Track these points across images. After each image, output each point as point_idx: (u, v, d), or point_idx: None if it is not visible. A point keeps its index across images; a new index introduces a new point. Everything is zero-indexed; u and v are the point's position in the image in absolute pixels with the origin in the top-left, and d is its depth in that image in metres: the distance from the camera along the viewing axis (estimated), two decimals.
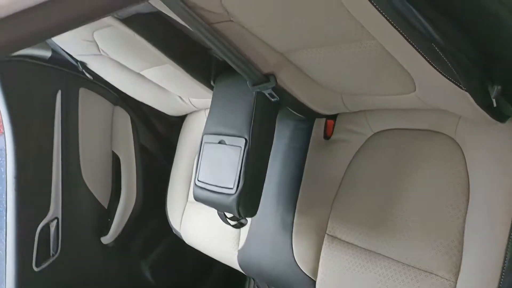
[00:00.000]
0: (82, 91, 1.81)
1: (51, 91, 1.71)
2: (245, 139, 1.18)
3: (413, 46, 0.75)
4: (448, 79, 0.80)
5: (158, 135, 2.10)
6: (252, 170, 1.17)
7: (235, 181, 1.17)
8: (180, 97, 1.74)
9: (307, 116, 1.34)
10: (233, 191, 1.18)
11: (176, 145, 1.98)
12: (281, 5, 0.87)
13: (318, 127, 1.37)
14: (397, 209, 1.13)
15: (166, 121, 2.08)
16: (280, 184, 1.40)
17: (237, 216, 1.22)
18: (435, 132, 1.11)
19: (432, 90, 0.92)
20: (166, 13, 1.02)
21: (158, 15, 1.22)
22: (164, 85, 1.62)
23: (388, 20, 0.71)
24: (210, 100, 1.37)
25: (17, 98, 1.60)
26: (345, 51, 0.93)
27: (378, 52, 0.88)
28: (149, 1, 0.97)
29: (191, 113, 1.94)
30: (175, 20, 1.21)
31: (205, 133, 1.33)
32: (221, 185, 1.22)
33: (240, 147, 1.18)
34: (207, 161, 1.31)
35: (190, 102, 1.75)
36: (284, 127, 1.42)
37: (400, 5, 0.67)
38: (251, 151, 1.17)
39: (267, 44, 1.05)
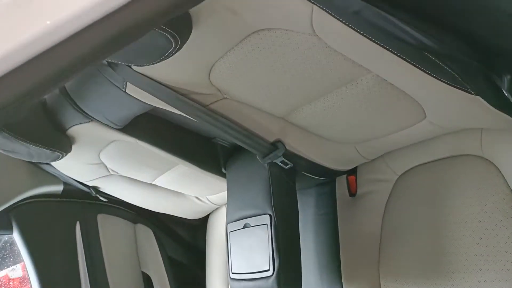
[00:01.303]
0: (100, 217, 1.78)
1: (69, 224, 1.69)
2: (269, 215, 1.13)
3: (407, 61, 0.73)
4: (453, 86, 0.76)
5: (185, 243, 2.03)
6: (285, 244, 1.11)
7: (269, 261, 1.10)
8: (197, 197, 1.71)
9: (326, 177, 1.30)
10: (270, 272, 1.10)
11: (204, 249, 1.90)
12: (267, 72, 0.88)
13: (341, 186, 1.31)
14: (452, 246, 1.03)
15: (189, 227, 2.02)
16: (318, 255, 1.31)
17: None
18: (461, 156, 1.05)
19: (442, 108, 0.88)
20: (162, 107, 1.02)
21: (154, 116, 1.24)
22: (178, 189, 1.60)
23: (374, 41, 0.70)
24: (226, 198, 1.33)
25: (36, 240, 1.57)
26: (343, 95, 0.92)
27: (376, 85, 0.86)
28: (143, 100, 1.00)
29: (212, 212, 1.90)
30: (172, 116, 1.24)
31: (228, 222, 1.28)
32: (257, 270, 1.14)
33: (266, 224, 1.13)
34: (237, 250, 1.24)
35: (209, 201, 1.71)
36: (306, 197, 1.37)
37: (382, 22, 0.66)
38: (278, 224, 1.11)
39: (266, 113, 1.04)
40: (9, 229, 1.54)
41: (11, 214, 1.53)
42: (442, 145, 1.08)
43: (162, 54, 0.77)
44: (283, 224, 1.12)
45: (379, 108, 0.94)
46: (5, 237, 1.86)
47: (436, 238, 1.06)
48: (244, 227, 1.21)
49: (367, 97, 0.90)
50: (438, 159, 1.10)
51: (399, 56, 0.72)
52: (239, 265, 1.22)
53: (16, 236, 1.54)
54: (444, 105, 0.87)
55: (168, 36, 0.71)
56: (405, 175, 1.17)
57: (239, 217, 1.23)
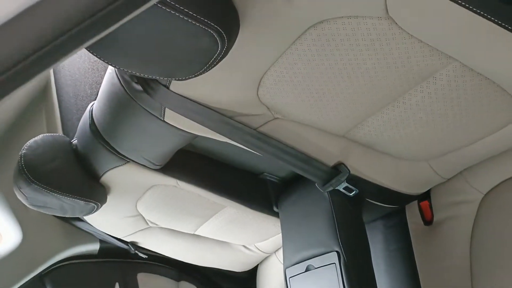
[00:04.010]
0: (140, 277, 1.68)
1: (108, 286, 1.59)
2: (337, 252, 1.00)
3: (505, 27, 0.59)
4: None
5: None
6: (359, 283, 0.97)
7: None
8: (245, 246, 1.60)
9: (395, 203, 1.16)
10: None
11: None
12: (328, 77, 0.76)
13: (413, 214, 1.18)
14: None
15: (237, 280, 1.89)
16: None
17: None
18: None
19: None
20: (205, 135, 0.93)
21: (194, 153, 1.17)
22: (224, 237, 1.50)
23: (465, 6, 0.57)
24: (280, 238, 1.23)
25: None
26: (418, 96, 0.79)
27: (459, 79, 0.73)
28: (184, 129, 0.91)
29: (261, 262, 1.76)
30: (213, 152, 1.17)
31: (287, 266, 1.15)
32: None
33: (334, 263, 1.00)
34: None
35: (258, 249, 1.60)
36: (371, 232, 1.24)
37: None
38: (349, 262, 0.98)
39: (325, 131, 0.94)
40: None
41: (46, 278, 1.45)
42: None
43: (207, 60, 0.66)
44: (354, 260, 0.99)
45: (461, 109, 0.80)
46: None
47: None
48: (307, 270, 1.07)
49: (447, 95, 0.77)
50: None
51: (497, 24, 0.59)
52: None
53: None
54: None
55: (214, 33, 0.61)
56: (492, 193, 1.02)
57: (299, 259, 1.10)
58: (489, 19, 0.58)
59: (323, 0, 0.63)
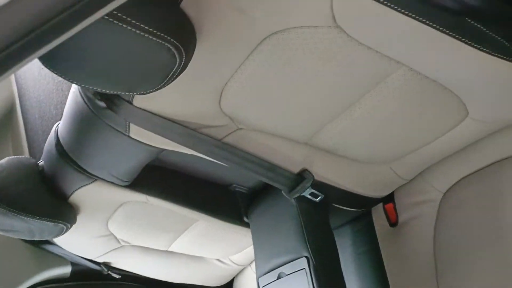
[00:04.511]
0: None
1: None
2: (306, 257, 1.01)
3: (447, 33, 0.63)
4: (503, 58, 0.67)
5: None
6: (329, 286, 0.99)
7: None
8: (219, 260, 1.60)
9: (360, 207, 1.19)
10: None
11: None
12: (286, 86, 0.79)
13: (378, 217, 1.21)
14: None
15: None
16: None
17: None
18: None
19: (487, 95, 0.79)
20: (171, 148, 0.93)
21: (162, 168, 1.16)
22: (198, 251, 1.50)
23: (407, 14, 0.61)
24: (252, 251, 1.23)
25: None
26: (373, 101, 0.83)
27: (409, 82, 0.77)
28: (150, 144, 0.92)
29: (237, 275, 1.75)
30: (181, 166, 1.17)
31: (259, 276, 1.16)
32: None
33: (304, 268, 1.01)
34: None
35: (232, 262, 1.60)
36: (340, 237, 1.26)
37: None
38: (318, 266, 1.00)
39: (287, 139, 0.96)
40: None
41: None
42: (488, 149, 0.98)
43: (166, 74, 0.68)
44: (324, 265, 1.01)
45: (414, 111, 0.84)
46: None
47: (503, 253, 0.93)
48: (279, 277, 1.08)
49: (400, 99, 0.81)
50: (486, 166, 0.99)
51: (437, 29, 0.63)
52: None
53: None
54: (490, 90, 0.77)
55: (171, 47, 0.62)
56: (451, 191, 1.06)
57: (271, 268, 1.11)
58: (428, 24, 0.62)
59: (275, 11, 0.66)
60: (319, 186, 1.03)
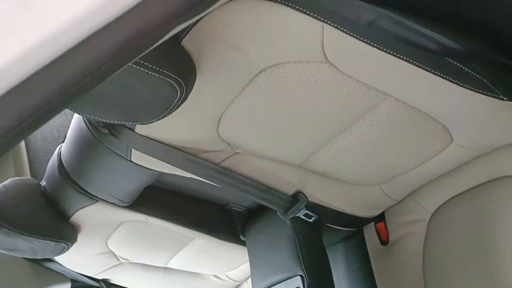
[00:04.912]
0: None
1: None
2: (300, 276, 1.04)
3: (429, 71, 0.68)
4: (482, 93, 0.71)
5: None
6: None
7: None
8: (216, 276, 1.61)
9: (353, 226, 1.22)
10: None
11: None
12: (280, 115, 0.83)
13: (370, 236, 1.24)
14: (505, 276, 0.94)
15: None
16: None
17: None
18: (497, 179, 0.99)
19: (470, 124, 0.83)
20: (171, 172, 0.97)
21: (161, 189, 1.19)
22: (195, 268, 1.52)
23: (391, 53, 0.66)
24: (249, 266, 1.25)
25: None
26: (362, 128, 0.87)
27: (396, 111, 0.82)
28: (151, 168, 0.94)
29: None
30: (180, 187, 1.19)
31: None
32: None
33: (299, 286, 1.04)
34: None
35: (229, 277, 1.62)
36: (334, 254, 1.29)
37: (399, 29, 0.62)
38: (312, 284, 1.03)
39: (282, 163, 1.00)
40: None
41: None
42: (474, 171, 1.02)
43: (167, 106, 0.72)
44: (317, 283, 1.04)
45: (402, 138, 0.88)
46: None
47: (489, 272, 0.96)
48: None
49: (388, 127, 0.85)
50: (473, 187, 1.03)
51: (420, 67, 0.67)
52: None
53: None
54: (472, 120, 0.81)
55: (173, 83, 0.67)
56: (439, 211, 1.09)
57: (266, 286, 1.13)
58: (411, 63, 0.67)
59: (269, 48, 0.70)
60: (312, 207, 1.06)
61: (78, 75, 0.37)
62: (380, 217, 1.22)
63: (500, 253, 0.95)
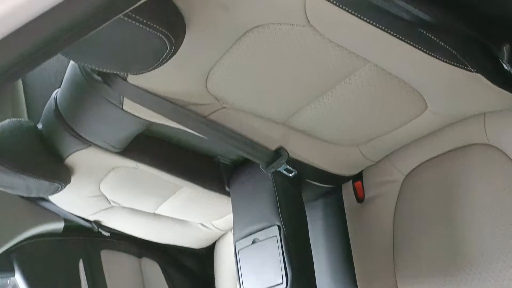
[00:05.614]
0: (104, 253, 1.73)
1: (72, 262, 1.64)
2: (278, 226, 1.10)
3: (403, 40, 0.72)
4: (452, 64, 0.76)
5: (193, 275, 1.97)
6: (296, 253, 1.08)
7: (282, 273, 1.07)
8: (202, 224, 1.67)
9: (331, 183, 1.27)
10: (284, 285, 1.07)
11: (213, 279, 1.85)
12: (265, 73, 0.87)
13: (347, 193, 1.29)
14: (470, 239, 1.00)
15: (196, 256, 1.96)
16: (332, 267, 1.27)
17: None
18: (467, 146, 1.04)
19: (442, 93, 0.87)
20: (160, 122, 1.01)
21: (153, 138, 1.23)
22: (182, 215, 1.57)
23: (369, 22, 0.69)
24: (232, 217, 1.30)
25: (38, 280, 1.52)
26: (341, 91, 0.91)
27: (375, 77, 0.86)
28: (141, 117, 0.99)
29: (218, 239, 1.85)
30: (171, 137, 1.23)
31: (236, 240, 1.25)
32: (270, 285, 1.11)
33: (276, 235, 1.10)
34: (247, 267, 1.20)
35: (214, 226, 1.68)
36: (313, 209, 1.34)
37: (376, 0, 0.66)
38: (288, 234, 1.08)
39: (266, 119, 1.04)
40: (11, 271, 1.50)
41: (12, 255, 1.49)
42: (446, 138, 1.07)
43: (157, 58, 0.76)
44: (293, 233, 1.09)
45: (379, 102, 0.93)
46: None
47: (453, 233, 1.03)
48: (253, 242, 1.17)
49: (366, 90, 0.89)
50: (444, 153, 1.08)
51: (395, 36, 0.71)
52: (250, 283, 1.18)
53: (18, 278, 1.50)
54: (443, 89, 0.86)
55: (162, 36, 0.71)
56: (412, 173, 1.15)
57: (247, 234, 1.20)
58: (385, 31, 0.71)
59: (254, 9, 0.74)
60: (293, 163, 1.11)
61: (69, 25, 0.41)
62: (358, 176, 1.28)
63: (464, 219, 1.02)
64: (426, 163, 1.12)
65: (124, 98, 0.94)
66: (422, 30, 0.70)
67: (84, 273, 1.64)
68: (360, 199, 1.27)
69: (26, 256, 1.52)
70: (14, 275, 1.50)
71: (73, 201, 1.41)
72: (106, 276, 1.71)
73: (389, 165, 1.19)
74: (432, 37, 0.71)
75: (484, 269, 0.96)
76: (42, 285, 1.53)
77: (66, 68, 1.01)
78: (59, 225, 1.60)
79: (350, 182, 1.30)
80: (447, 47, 0.73)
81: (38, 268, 1.55)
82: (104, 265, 1.72)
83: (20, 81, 1.38)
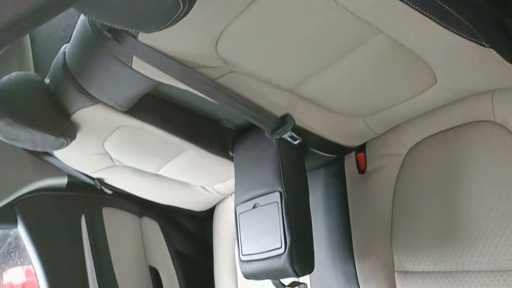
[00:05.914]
0: (105, 211, 1.76)
1: (75, 217, 1.67)
2: (279, 192, 1.11)
3: (418, 11, 0.71)
4: (466, 38, 0.75)
5: (192, 236, 2.02)
6: (296, 220, 1.09)
7: (281, 238, 1.08)
8: (203, 187, 1.69)
9: (335, 153, 1.28)
10: (282, 250, 1.08)
11: (212, 242, 1.88)
12: (276, 38, 0.86)
13: (350, 164, 1.30)
14: (467, 213, 1.01)
15: (196, 219, 2.01)
16: (330, 235, 1.29)
17: (294, 275, 1.09)
18: (473, 123, 1.04)
19: (453, 67, 0.87)
20: (168, 82, 1.01)
21: (160, 99, 1.23)
22: (184, 178, 1.59)
23: None
24: (234, 183, 1.32)
25: (41, 233, 1.55)
26: (352, 61, 0.90)
27: (387, 48, 0.85)
28: (150, 76, 0.98)
29: (218, 203, 1.87)
30: (178, 99, 1.23)
31: (237, 204, 1.27)
32: (268, 249, 1.12)
33: (276, 201, 1.11)
34: (247, 231, 1.22)
35: (215, 190, 1.70)
36: (314, 178, 1.36)
37: None
38: (289, 200, 1.10)
39: (274, 86, 1.03)
40: (14, 223, 1.53)
41: (16, 207, 1.52)
42: (452, 113, 1.07)
43: (169, 18, 0.75)
44: (294, 200, 1.11)
45: (389, 74, 0.93)
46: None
47: (452, 207, 1.04)
48: (254, 207, 1.19)
49: (377, 61, 0.89)
50: (449, 129, 1.08)
51: (410, 6, 0.71)
52: (249, 246, 1.20)
53: (20, 230, 1.53)
54: (455, 64, 0.86)
55: None
56: (416, 147, 1.15)
57: (248, 198, 1.21)
58: (402, 1, 0.70)
59: None
60: (298, 130, 1.11)
61: None
62: (361, 148, 1.28)
63: (464, 194, 1.03)
64: (430, 138, 1.12)
65: (134, 57, 0.94)
66: (439, 1, 0.69)
67: (85, 228, 1.68)
68: (361, 171, 1.28)
69: (29, 208, 1.54)
70: (17, 227, 1.53)
71: (77, 157, 1.42)
72: (107, 232, 1.75)
73: (394, 138, 1.19)
74: (449, 9, 0.70)
75: (481, 244, 0.98)
76: (44, 237, 1.56)
77: (76, 23, 1.00)
78: (62, 180, 1.62)
79: (353, 153, 1.30)
80: (463, 20, 0.72)
81: (41, 221, 1.57)
82: (106, 222, 1.76)
83: (27, 35, 1.36)
